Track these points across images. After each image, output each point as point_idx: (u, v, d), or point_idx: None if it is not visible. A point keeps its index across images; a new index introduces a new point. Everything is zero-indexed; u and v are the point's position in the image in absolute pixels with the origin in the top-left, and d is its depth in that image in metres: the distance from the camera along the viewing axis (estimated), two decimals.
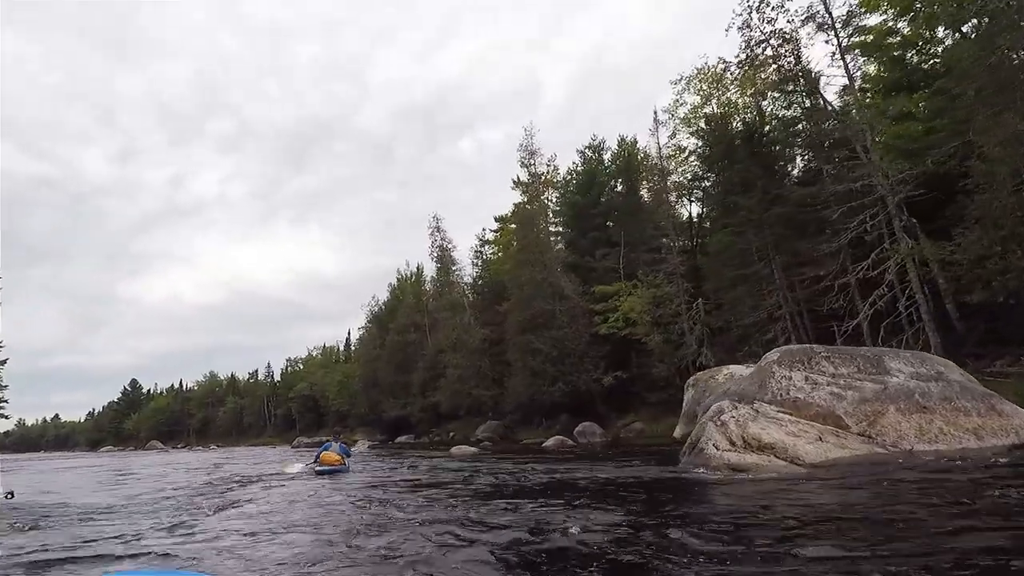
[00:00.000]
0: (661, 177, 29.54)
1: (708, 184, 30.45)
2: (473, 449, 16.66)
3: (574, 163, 36.94)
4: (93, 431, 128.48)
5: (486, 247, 48.33)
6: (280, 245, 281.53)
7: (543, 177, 35.69)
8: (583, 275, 30.63)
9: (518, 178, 37.79)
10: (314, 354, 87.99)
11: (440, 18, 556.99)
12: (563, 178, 37.31)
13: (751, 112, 27.58)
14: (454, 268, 43.77)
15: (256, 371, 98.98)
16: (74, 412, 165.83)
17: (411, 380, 44.62)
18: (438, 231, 43.00)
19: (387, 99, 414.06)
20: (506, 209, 44.58)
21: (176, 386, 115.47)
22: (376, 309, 57.50)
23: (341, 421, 63.15)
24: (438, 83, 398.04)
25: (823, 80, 20.39)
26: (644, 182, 32.42)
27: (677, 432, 15.60)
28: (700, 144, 30.27)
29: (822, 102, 20.44)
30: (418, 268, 56.20)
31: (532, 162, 34.46)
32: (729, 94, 30.42)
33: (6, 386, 64.19)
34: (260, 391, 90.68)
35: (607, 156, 36.36)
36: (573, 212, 35.53)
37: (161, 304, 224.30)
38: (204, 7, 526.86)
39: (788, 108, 22.27)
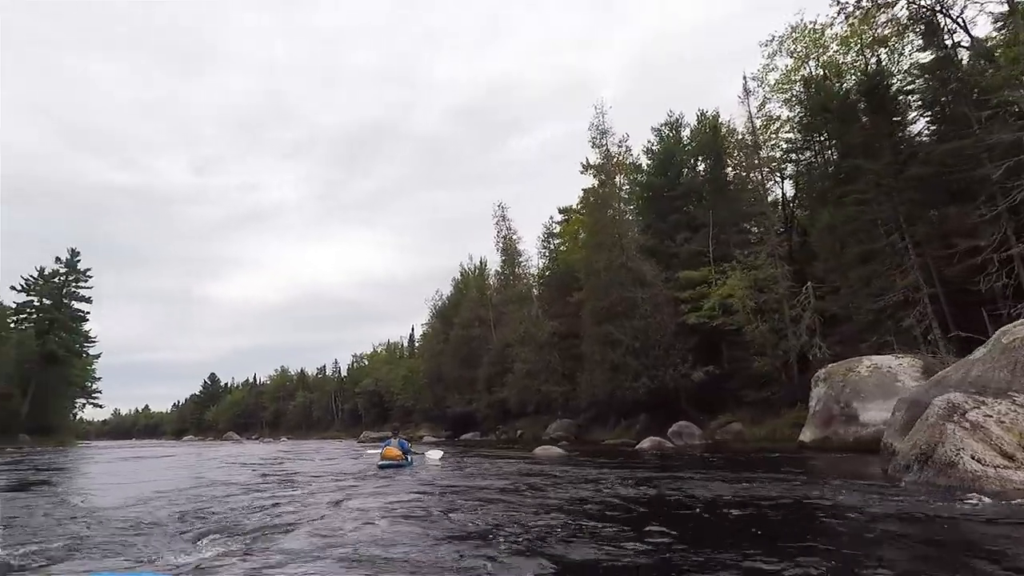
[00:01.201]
0: (753, 149, 26.44)
1: (807, 155, 27.08)
2: (558, 450, 14.57)
3: (649, 142, 34.20)
4: (177, 421, 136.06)
5: (552, 239, 46.47)
6: (343, 246, 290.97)
7: (615, 159, 33.12)
8: (664, 261, 27.97)
9: (587, 161, 35.43)
10: (379, 350, 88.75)
11: (488, 16, 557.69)
12: (633, 161, 34.66)
13: (862, 68, 24.06)
14: (519, 259, 41.81)
15: (324, 367, 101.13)
16: (162, 403, 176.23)
17: (476, 375, 43.16)
18: (503, 220, 41.19)
19: (440, 100, 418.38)
20: (570, 200, 42.53)
21: (250, 380, 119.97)
22: (439, 304, 56.57)
23: (406, 416, 62.83)
24: (490, 81, 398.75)
25: (970, 11, 16.95)
26: (733, 157, 29.27)
27: (806, 436, 12.95)
28: (799, 110, 27.01)
29: (969, 39, 17.00)
30: (481, 262, 54.91)
31: (604, 142, 31.97)
32: (831, 54, 27.04)
33: (99, 378, 68.31)
34: (328, 386, 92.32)
35: (685, 133, 33.49)
36: (648, 195, 32.86)
37: (236, 304, 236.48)
38: (264, 19, 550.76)
39: (923, 51, 18.78)
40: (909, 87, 19.85)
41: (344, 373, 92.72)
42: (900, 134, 19.18)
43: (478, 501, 6.37)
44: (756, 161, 26.92)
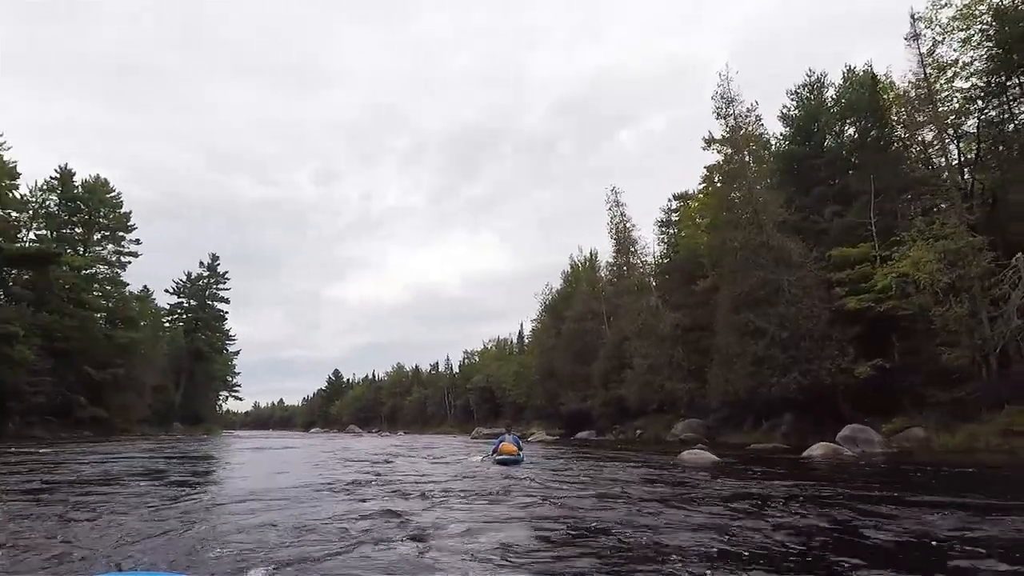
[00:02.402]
0: (925, 101, 22.04)
1: (995, 104, 22.14)
2: (709, 455, 12.22)
3: (784, 107, 30.17)
4: (306, 414, 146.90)
5: (668, 227, 43.26)
6: (453, 248, 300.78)
7: (744, 130, 29.49)
8: (809, 239, 24.24)
9: (711, 135, 32.03)
10: (489, 347, 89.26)
11: (586, 9, 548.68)
12: (762, 133, 30.74)
13: None
14: (634, 248, 39.04)
15: (437, 363, 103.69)
16: (294, 397, 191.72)
17: (590, 371, 41.00)
18: (616, 206, 38.62)
19: (543, 98, 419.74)
20: (682, 188, 39.41)
21: (370, 376, 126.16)
22: (549, 298, 55.02)
23: (517, 413, 62.09)
24: (591, 75, 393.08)
25: None
26: (896, 114, 24.79)
27: None
28: (985, 49, 22.16)
29: None
30: (591, 253, 52.70)
31: (731, 111, 28.56)
32: None
33: (239, 373, 74.80)
34: (441, 382, 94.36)
35: (829, 94, 29.12)
36: (785, 166, 28.98)
37: (356, 304, 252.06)
38: (369, 34, 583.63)
39: None
40: None
41: (456, 370, 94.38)
42: None
43: (649, 517, 4.52)
44: (928, 116, 22.44)
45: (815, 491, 6.95)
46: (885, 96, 25.79)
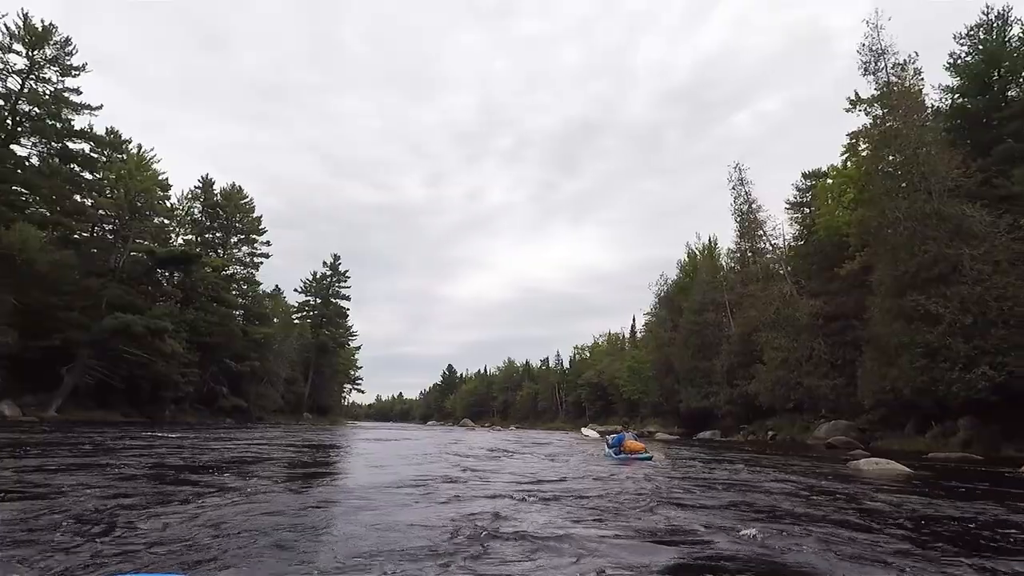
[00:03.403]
0: None
1: None
2: (897, 466, 9.79)
3: (952, 55, 25.42)
4: (423, 407, 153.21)
5: (800, 209, 38.87)
6: (559, 243, 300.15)
7: (898, 85, 25.21)
8: (994, 206, 19.98)
9: (857, 95, 27.91)
10: (599, 342, 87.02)
11: None
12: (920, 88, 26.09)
13: None
14: (762, 232, 35.26)
15: (547, 359, 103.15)
16: (412, 391, 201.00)
17: (713, 366, 37.86)
18: (741, 184, 35.06)
19: (648, 87, 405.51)
20: (812, 165, 34.99)
21: (481, 371, 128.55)
22: (664, 290, 51.87)
23: (631, 410, 59.56)
24: (700, 58, 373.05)
25: None
26: None
27: None
28: None
29: None
30: (710, 240, 48.93)
31: (882, 65, 24.51)
32: None
33: (361, 367, 79.08)
34: (551, 378, 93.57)
35: (1014, 33, 24.09)
36: (955, 124, 24.44)
37: (466, 301, 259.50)
38: (475, 37, 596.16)
39: None
40: None
41: (566, 365, 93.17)
42: None
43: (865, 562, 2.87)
44: None
45: None
46: None
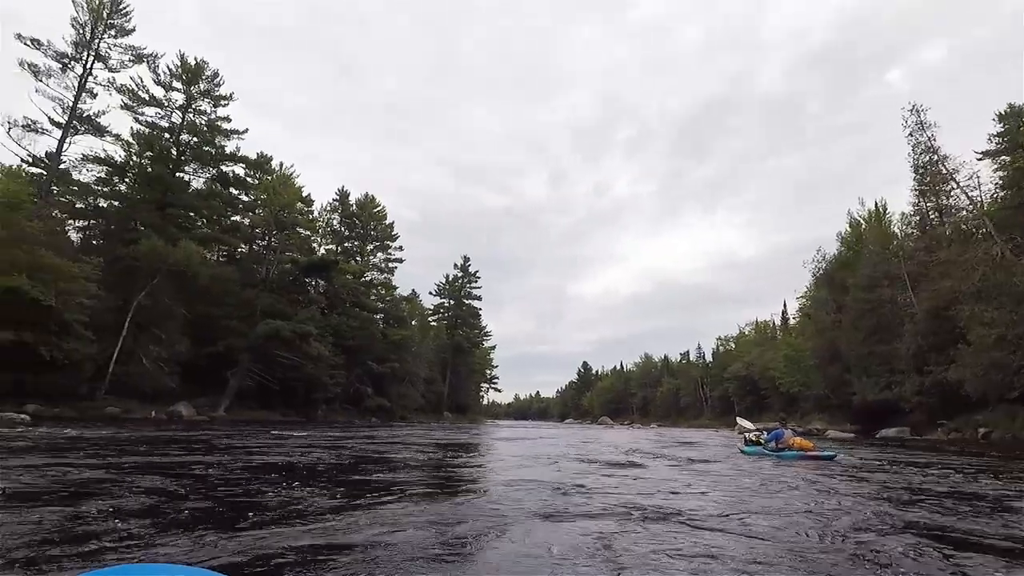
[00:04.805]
0: None
1: None
2: None
3: None
4: (560, 405, 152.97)
5: (995, 157, 31.57)
6: (690, 231, 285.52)
7: None
8: None
9: None
10: (746, 331, 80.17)
11: None
12: None
13: None
14: (955, 182, 29.02)
15: (687, 352, 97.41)
16: (549, 389, 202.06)
17: (894, 351, 32.12)
18: (921, 129, 29.11)
19: (782, 54, 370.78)
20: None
21: (617, 368, 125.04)
22: (823, 267, 45.59)
23: (788, 404, 53.51)
24: (841, 13, 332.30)
25: None
26: None
27: None
28: None
29: None
30: (877, 205, 42.03)
31: None
32: None
33: (496, 366, 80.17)
34: (693, 372, 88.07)
35: None
36: None
37: (597, 298, 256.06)
38: (592, 29, 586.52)
39: None
40: None
41: (709, 358, 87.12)
42: None
43: None
44: None
45: None
46: None
